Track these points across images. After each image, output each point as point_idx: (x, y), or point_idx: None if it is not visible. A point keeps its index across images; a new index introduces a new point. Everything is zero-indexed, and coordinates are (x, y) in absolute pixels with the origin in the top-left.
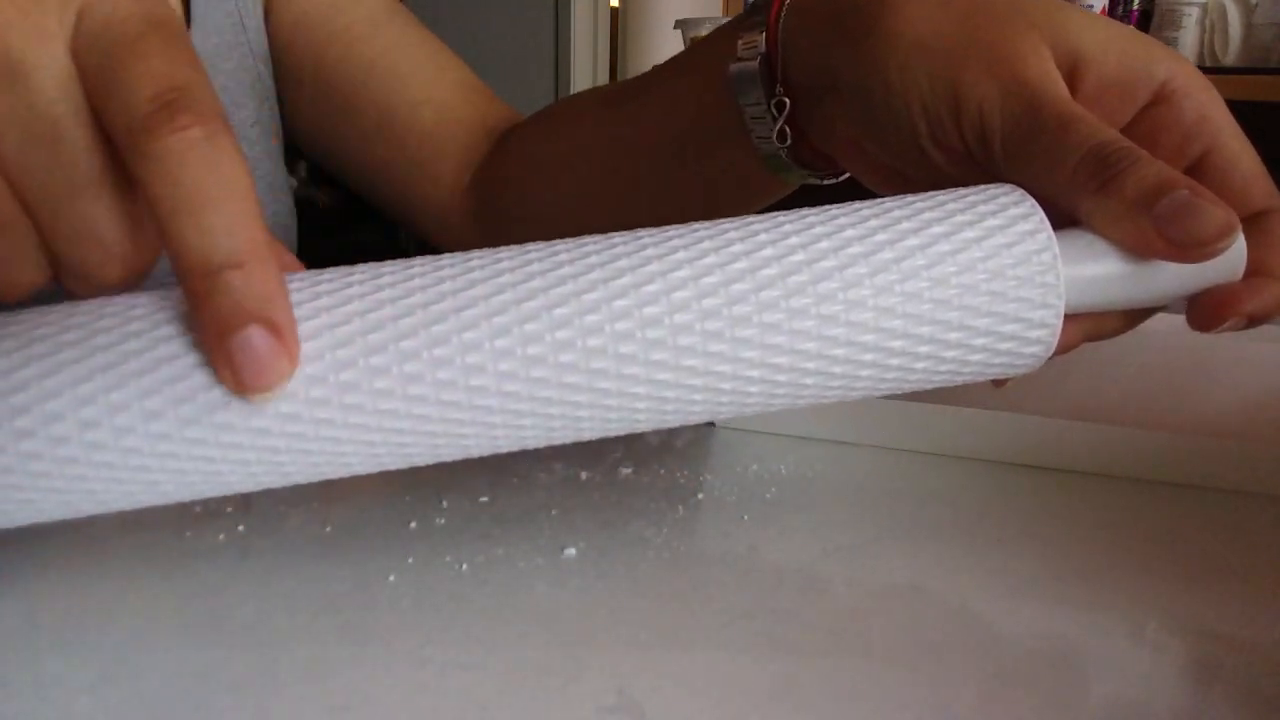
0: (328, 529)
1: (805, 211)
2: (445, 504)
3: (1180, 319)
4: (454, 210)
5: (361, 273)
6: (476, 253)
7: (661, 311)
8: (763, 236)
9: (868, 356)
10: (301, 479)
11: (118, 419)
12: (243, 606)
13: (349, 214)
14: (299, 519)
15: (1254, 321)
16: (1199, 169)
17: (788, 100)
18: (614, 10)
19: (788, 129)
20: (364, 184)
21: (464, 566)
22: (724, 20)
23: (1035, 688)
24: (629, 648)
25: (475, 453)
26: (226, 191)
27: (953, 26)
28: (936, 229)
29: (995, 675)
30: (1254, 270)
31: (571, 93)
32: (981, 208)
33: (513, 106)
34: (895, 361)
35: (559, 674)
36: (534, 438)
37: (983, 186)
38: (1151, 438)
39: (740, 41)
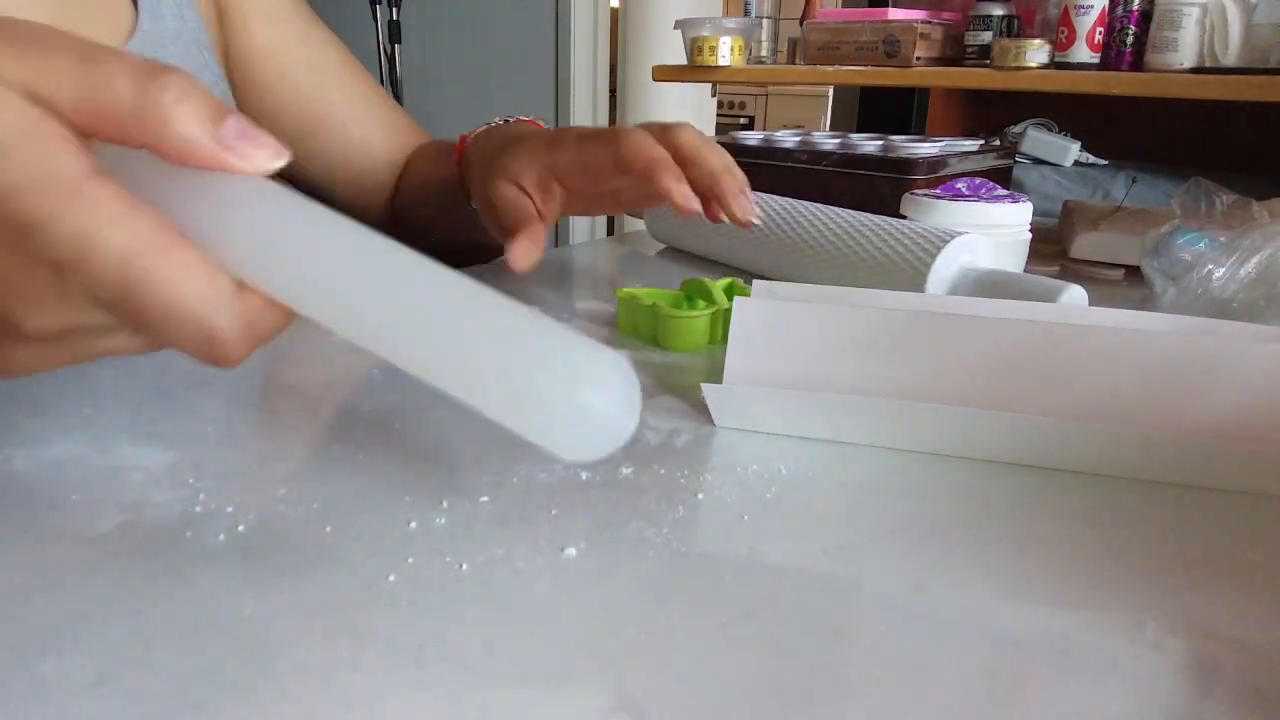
0: (328, 529)
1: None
2: (445, 504)
3: (1180, 319)
4: (385, 214)
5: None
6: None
7: None
8: None
9: None
10: None
11: None
12: (243, 606)
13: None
14: (299, 519)
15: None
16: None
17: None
18: (614, 10)
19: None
20: (314, 189)
21: (464, 566)
22: (723, 20)
23: (1035, 688)
24: (629, 648)
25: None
26: None
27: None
28: None
29: (995, 675)
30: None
31: (571, 93)
32: None
33: (514, 106)
34: None
35: (559, 674)
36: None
37: None
38: (1151, 438)
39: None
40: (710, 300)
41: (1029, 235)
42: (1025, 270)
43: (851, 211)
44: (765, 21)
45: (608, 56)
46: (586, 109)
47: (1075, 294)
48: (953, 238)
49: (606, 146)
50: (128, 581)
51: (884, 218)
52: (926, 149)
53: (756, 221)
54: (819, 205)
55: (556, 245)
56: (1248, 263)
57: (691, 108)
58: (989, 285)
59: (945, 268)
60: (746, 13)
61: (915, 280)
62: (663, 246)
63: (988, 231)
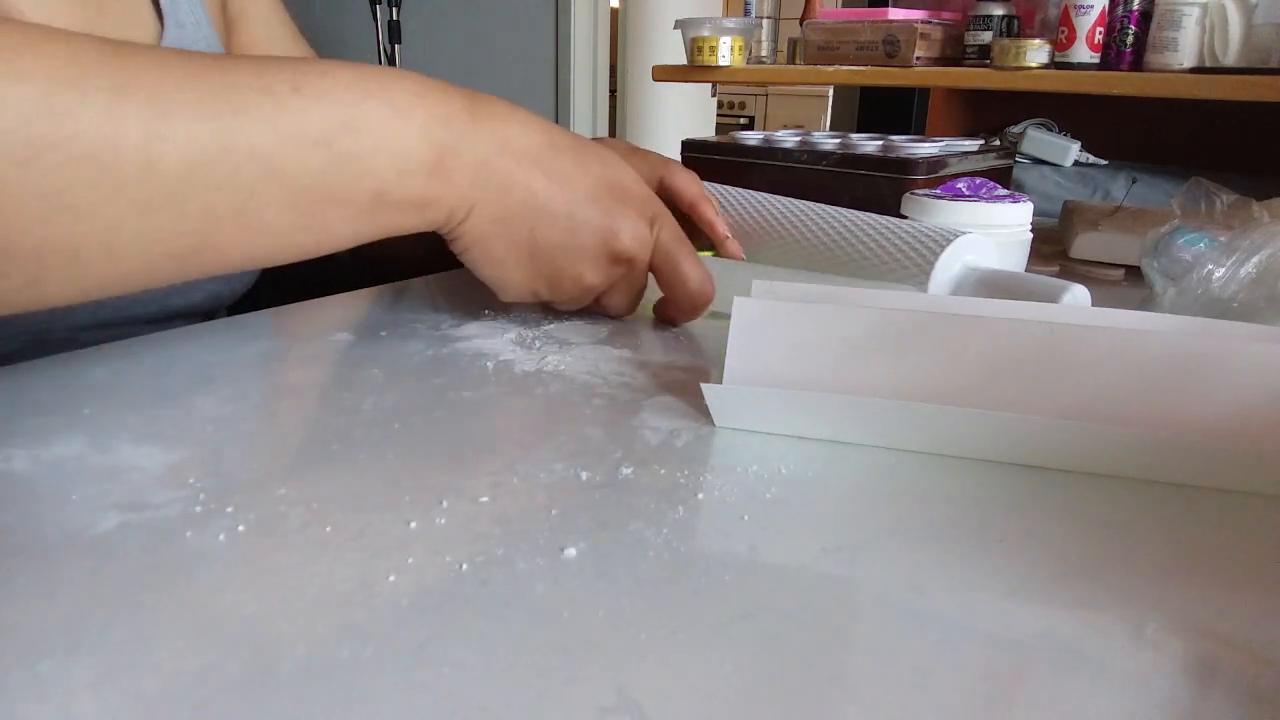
0: (328, 529)
1: None
2: (445, 504)
3: (1180, 319)
4: None
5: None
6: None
7: None
8: None
9: None
10: None
11: None
12: (243, 606)
13: None
14: (299, 519)
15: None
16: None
17: None
18: (614, 10)
19: None
20: None
21: (464, 566)
22: (723, 20)
23: (1035, 688)
24: (629, 648)
25: None
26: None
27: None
28: None
29: (995, 675)
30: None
31: (571, 93)
32: None
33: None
34: None
35: (559, 674)
36: None
37: None
38: (1151, 438)
39: None
40: None
41: (1030, 235)
42: (1026, 270)
43: (853, 211)
44: (765, 21)
45: (608, 56)
46: (586, 109)
47: (1078, 294)
48: (955, 237)
49: (654, 171)
50: (128, 581)
51: (886, 217)
52: (926, 149)
53: (740, 255)
54: (820, 205)
55: None
56: (1248, 263)
57: (691, 108)
58: (991, 285)
59: (947, 268)
60: (746, 13)
61: (917, 280)
62: None
63: (988, 231)
